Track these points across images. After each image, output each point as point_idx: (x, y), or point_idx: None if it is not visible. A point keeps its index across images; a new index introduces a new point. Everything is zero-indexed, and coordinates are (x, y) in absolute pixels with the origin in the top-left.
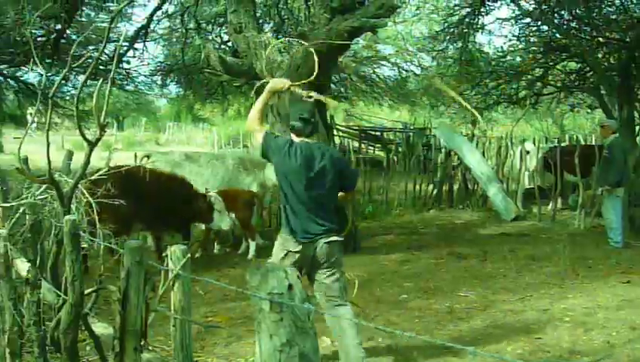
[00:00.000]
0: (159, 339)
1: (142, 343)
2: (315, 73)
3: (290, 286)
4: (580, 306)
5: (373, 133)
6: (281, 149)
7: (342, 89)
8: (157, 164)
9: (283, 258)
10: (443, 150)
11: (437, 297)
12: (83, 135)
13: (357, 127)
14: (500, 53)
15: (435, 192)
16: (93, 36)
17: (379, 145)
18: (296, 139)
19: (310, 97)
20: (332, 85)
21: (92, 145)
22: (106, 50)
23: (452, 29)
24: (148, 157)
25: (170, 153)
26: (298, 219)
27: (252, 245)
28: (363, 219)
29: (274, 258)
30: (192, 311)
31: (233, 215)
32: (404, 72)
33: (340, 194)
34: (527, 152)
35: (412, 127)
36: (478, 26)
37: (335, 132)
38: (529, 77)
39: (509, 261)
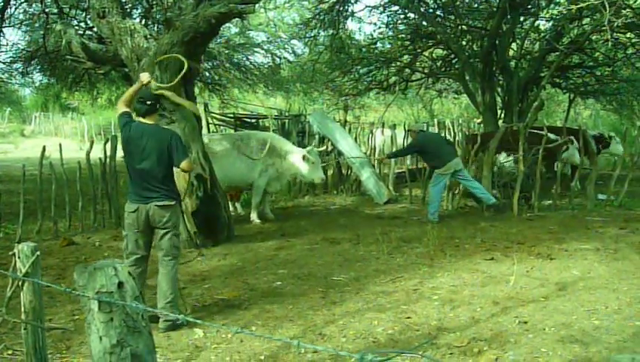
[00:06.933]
0: (20, 342)
1: None
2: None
3: (120, 284)
4: (448, 284)
5: (248, 120)
6: (122, 128)
7: (216, 77)
8: None
9: (125, 218)
10: (317, 136)
11: (311, 283)
12: None
13: (232, 115)
14: (370, 40)
15: None
16: None
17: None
18: (136, 119)
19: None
20: (206, 73)
21: None
22: None
23: (323, 16)
24: None
25: None
26: (133, 185)
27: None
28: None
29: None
30: (57, 309)
31: None
32: (277, 58)
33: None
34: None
35: (287, 114)
36: (348, 14)
37: (210, 120)
38: (398, 63)
39: (381, 243)
